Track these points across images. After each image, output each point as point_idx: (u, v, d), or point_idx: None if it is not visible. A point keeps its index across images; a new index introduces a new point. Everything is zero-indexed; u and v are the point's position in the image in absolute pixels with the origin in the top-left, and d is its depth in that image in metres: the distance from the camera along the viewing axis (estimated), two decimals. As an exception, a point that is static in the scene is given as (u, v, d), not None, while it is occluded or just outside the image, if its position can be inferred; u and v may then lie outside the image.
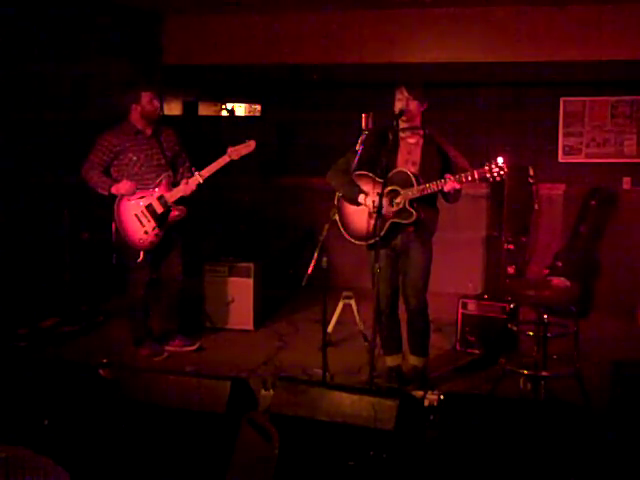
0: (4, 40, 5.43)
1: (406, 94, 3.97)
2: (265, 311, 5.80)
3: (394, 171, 3.96)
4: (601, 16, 5.82)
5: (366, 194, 4.01)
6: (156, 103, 4.77)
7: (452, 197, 3.97)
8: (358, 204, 4.06)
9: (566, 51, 5.95)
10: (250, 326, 5.54)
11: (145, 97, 4.70)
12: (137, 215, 4.67)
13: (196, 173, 4.70)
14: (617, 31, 5.79)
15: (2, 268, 5.35)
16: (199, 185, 4.70)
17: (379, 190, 3.82)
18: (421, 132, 4.07)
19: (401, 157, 4.03)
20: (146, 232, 4.68)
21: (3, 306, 5.16)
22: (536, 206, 6.17)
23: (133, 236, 4.68)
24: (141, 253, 4.70)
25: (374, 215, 3.84)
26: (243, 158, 4.67)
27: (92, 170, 4.67)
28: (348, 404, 2.71)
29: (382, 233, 3.86)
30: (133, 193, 4.66)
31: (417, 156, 4.03)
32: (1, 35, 5.38)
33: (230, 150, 4.65)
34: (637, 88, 6.53)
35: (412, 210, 3.92)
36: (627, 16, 5.74)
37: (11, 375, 3.08)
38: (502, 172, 3.72)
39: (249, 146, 4.67)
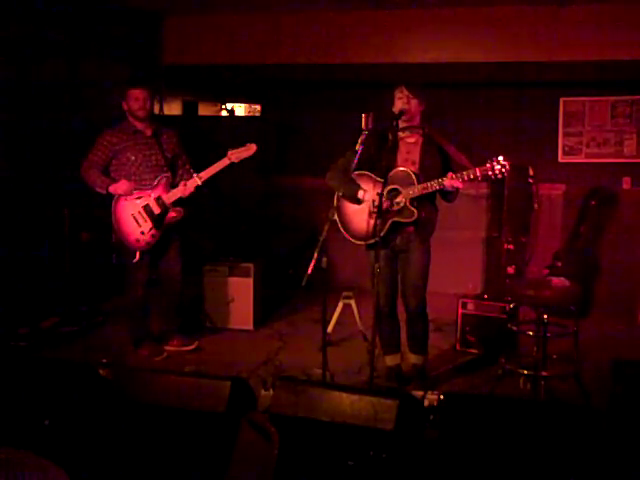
0: (2, 42, 5.43)
1: (406, 92, 3.96)
2: (265, 311, 5.80)
3: (394, 170, 3.96)
4: (601, 16, 5.82)
5: (365, 191, 4.02)
6: (141, 101, 4.67)
7: (451, 196, 3.97)
8: (358, 201, 4.04)
9: (566, 51, 5.95)
10: (250, 326, 5.54)
11: (130, 94, 4.67)
12: (134, 215, 4.67)
13: (195, 175, 4.67)
14: (617, 31, 5.78)
15: (2, 268, 5.35)
16: (198, 187, 4.69)
17: (379, 189, 3.82)
18: (420, 131, 4.07)
19: (401, 157, 4.03)
20: (142, 232, 4.67)
21: (3, 306, 5.16)
22: (536, 206, 6.16)
23: (129, 236, 4.67)
24: (137, 253, 4.69)
25: (374, 215, 3.84)
26: (243, 160, 4.67)
27: (91, 169, 4.67)
28: (348, 404, 2.71)
29: (382, 233, 3.86)
30: (131, 193, 4.66)
31: (417, 155, 4.03)
32: (0, 37, 5.38)
33: (230, 153, 4.62)
34: (637, 88, 6.54)
35: (413, 209, 3.92)
36: (627, 16, 5.74)
37: (11, 375, 3.08)
38: (504, 170, 3.71)
39: (249, 149, 4.64)
